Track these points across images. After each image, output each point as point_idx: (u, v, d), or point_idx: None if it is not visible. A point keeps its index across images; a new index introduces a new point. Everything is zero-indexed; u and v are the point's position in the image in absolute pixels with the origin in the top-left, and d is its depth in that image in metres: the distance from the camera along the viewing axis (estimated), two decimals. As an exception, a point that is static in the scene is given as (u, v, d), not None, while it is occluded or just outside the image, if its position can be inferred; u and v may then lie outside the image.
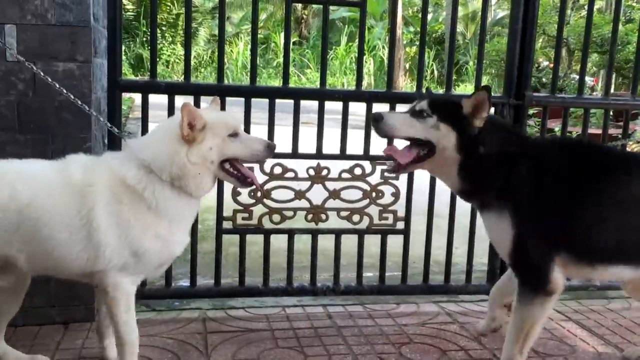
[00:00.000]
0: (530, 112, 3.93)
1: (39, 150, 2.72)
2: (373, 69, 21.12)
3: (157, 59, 3.28)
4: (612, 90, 3.83)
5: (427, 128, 2.35)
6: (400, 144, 2.49)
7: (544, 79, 13.00)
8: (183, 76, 3.20)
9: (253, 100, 3.22)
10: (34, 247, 2.12)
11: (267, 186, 3.23)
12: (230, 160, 2.27)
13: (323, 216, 3.32)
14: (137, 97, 3.28)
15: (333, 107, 3.31)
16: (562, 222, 2.37)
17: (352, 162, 3.31)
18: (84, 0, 2.70)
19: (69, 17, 2.70)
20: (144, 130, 3.07)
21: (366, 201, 3.33)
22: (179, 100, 3.02)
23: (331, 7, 3.45)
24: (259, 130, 3.07)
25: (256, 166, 2.87)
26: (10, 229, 2.09)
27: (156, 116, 2.94)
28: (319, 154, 3.30)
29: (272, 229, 3.31)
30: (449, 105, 2.42)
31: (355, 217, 3.35)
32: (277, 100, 3.25)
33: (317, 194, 3.29)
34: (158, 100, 3.09)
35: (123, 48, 3.28)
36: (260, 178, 3.11)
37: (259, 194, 3.19)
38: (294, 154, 3.27)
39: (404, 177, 3.14)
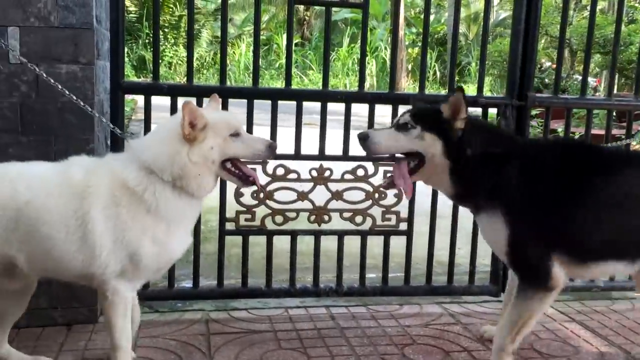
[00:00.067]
0: (533, 112, 3.92)
1: (42, 151, 2.73)
2: (375, 70, 21.12)
3: (160, 61, 3.28)
4: (614, 91, 3.81)
5: (412, 139, 2.38)
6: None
7: (546, 80, 12.97)
8: (185, 78, 3.20)
9: (255, 101, 3.23)
10: (32, 246, 2.13)
11: (269, 187, 3.23)
12: (231, 159, 2.26)
13: (326, 217, 3.32)
14: (140, 99, 3.29)
15: (335, 108, 3.31)
16: (553, 221, 2.39)
17: (354, 163, 3.31)
18: (87, 2, 2.70)
19: (72, 20, 2.71)
20: (147, 132, 3.07)
21: (369, 202, 3.33)
22: (182, 102, 3.03)
23: (333, 9, 3.45)
24: (261, 132, 3.06)
25: (259, 167, 2.88)
26: (9, 227, 2.10)
27: (159, 118, 2.94)
28: (321, 155, 3.30)
29: (275, 230, 3.31)
30: (430, 113, 2.44)
31: (358, 218, 3.35)
32: (280, 102, 3.25)
33: (320, 195, 3.29)
34: (161, 102, 3.09)
35: (125, 50, 3.29)
36: (262, 179, 3.12)
37: (261, 195, 3.19)
38: (297, 155, 3.27)
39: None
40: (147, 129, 3.10)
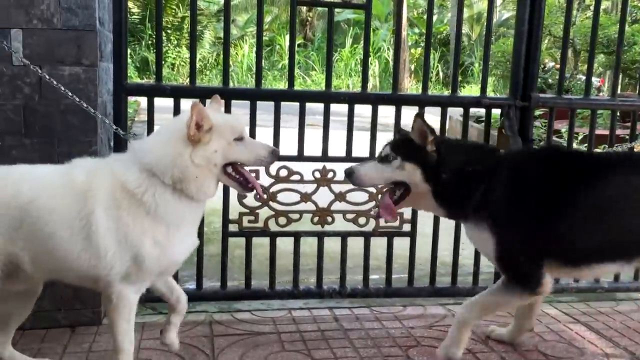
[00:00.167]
0: (537, 113, 3.91)
1: (45, 154, 2.73)
2: (378, 71, 21.09)
3: (163, 62, 3.28)
4: (618, 91, 3.80)
5: (394, 170, 2.54)
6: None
7: (549, 80, 12.94)
8: (188, 79, 3.20)
9: (258, 102, 3.22)
10: (36, 245, 2.13)
11: (273, 189, 3.23)
12: (233, 164, 2.26)
13: (329, 219, 3.32)
14: (143, 101, 3.29)
15: (338, 109, 3.31)
16: (537, 228, 2.47)
17: (357, 165, 3.30)
18: (90, 4, 2.71)
19: (75, 22, 2.71)
20: (150, 133, 3.07)
21: (372, 203, 3.32)
22: (185, 103, 3.03)
23: (336, 10, 3.45)
24: (264, 133, 3.07)
25: (262, 169, 2.87)
26: (13, 226, 2.11)
27: (162, 119, 2.93)
28: (324, 157, 3.30)
29: (278, 232, 3.31)
30: (407, 143, 2.58)
31: (361, 220, 3.34)
32: (283, 103, 3.25)
33: (323, 197, 3.29)
34: (164, 103, 3.09)
35: (128, 51, 3.29)
36: (266, 181, 3.12)
37: (264, 196, 3.19)
38: (300, 157, 3.27)
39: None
40: (150, 130, 3.09)
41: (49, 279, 2.36)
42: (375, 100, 3.35)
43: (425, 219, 3.43)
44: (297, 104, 3.27)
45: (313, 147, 3.26)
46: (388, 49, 21.54)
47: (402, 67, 19.55)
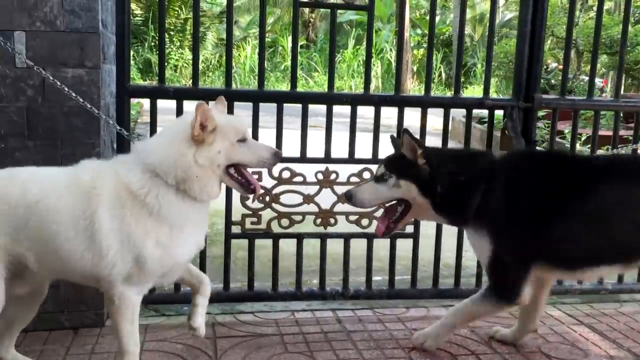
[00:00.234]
0: (540, 114, 3.90)
1: (48, 155, 2.74)
2: (380, 72, 21.10)
3: (165, 64, 3.28)
4: (621, 92, 3.79)
5: (391, 189, 2.59)
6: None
7: (552, 81, 12.92)
8: (191, 81, 3.20)
9: (261, 104, 3.22)
10: (41, 244, 2.14)
11: (275, 190, 3.23)
12: (235, 165, 2.26)
13: (332, 220, 3.32)
14: (146, 102, 3.29)
15: (341, 110, 3.31)
16: (535, 234, 2.50)
17: (360, 166, 3.30)
18: (93, 6, 2.71)
19: (78, 24, 2.71)
20: (152, 135, 3.08)
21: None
22: (188, 105, 3.03)
23: (339, 11, 3.45)
24: (267, 134, 3.07)
25: (264, 170, 2.87)
26: (20, 225, 2.12)
27: (165, 121, 2.94)
28: (327, 158, 3.30)
29: (281, 234, 3.31)
30: (399, 159, 2.62)
31: (364, 221, 3.34)
32: (285, 104, 3.25)
33: (326, 198, 3.29)
34: (167, 105, 3.09)
35: (131, 53, 3.29)
36: (268, 182, 3.12)
37: (267, 198, 3.19)
38: (302, 158, 3.27)
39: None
40: (152, 132, 3.10)
41: (55, 278, 2.38)
42: (378, 102, 3.35)
43: (428, 220, 3.43)
44: (300, 105, 3.27)
45: (316, 148, 3.26)
46: (390, 50, 21.55)
47: (405, 69, 19.54)
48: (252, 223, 3.25)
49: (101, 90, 2.78)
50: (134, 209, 2.15)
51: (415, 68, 23.00)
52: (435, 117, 3.63)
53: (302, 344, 2.92)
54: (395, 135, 2.92)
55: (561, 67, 3.91)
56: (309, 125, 3.29)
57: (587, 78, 3.86)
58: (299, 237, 3.34)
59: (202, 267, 3.23)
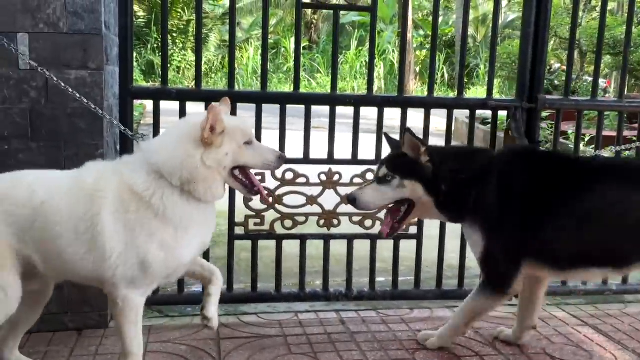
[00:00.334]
0: (543, 115, 3.90)
1: (52, 157, 2.74)
2: (383, 73, 21.08)
3: (168, 65, 3.28)
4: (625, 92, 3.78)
5: (396, 190, 2.58)
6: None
7: (555, 82, 12.91)
8: (194, 82, 3.20)
9: (264, 105, 3.22)
10: (46, 246, 2.15)
11: (279, 191, 3.23)
12: (240, 167, 2.27)
13: (335, 221, 3.31)
14: (149, 104, 3.29)
15: (344, 111, 3.30)
16: (524, 231, 2.53)
17: (363, 167, 3.30)
18: (96, 8, 2.71)
19: (81, 26, 2.71)
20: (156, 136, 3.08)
21: (378, 206, 3.31)
22: (190, 106, 3.03)
23: (341, 12, 3.45)
24: (270, 136, 3.07)
25: (267, 172, 2.87)
26: (25, 227, 2.13)
27: (168, 122, 2.95)
28: (330, 159, 3.30)
29: (284, 235, 3.30)
30: (402, 159, 2.61)
31: (368, 222, 3.34)
32: (288, 105, 3.25)
33: (329, 199, 3.28)
34: (170, 106, 3.09)
35: (134, 55, 3.29)
36: (272, 183, 3.12)
37: (270, 199, 3.18)
38: (306, 159, 3.27)
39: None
40: (156, 133, 3.10)
41: (61, 280, 2.38)
42: (382, 103, 3.34)
43: (431, 221, 3.42)
44: (303, 106, 3.27)
45: (319, 149, 3.26)
46: (393, 51, 21.55)
47: (408, 70, 19.54)
48: (255, 224, 3.25)
49: (104, 91, 2.79)
50: (139, 211, 2.15)
51: (417, 69, 23.00)
52: (438, 118, 3.62)
53: (305, 345, 2.91)
54: (398, 134, 2.91)
55: (564, 67, 3.90)
56: (312, 127, 3.29)
57: (590, 79, 3.84)
58: (303, 238, 3.33)
59: (206, 269, 3.23)
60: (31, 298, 2.35)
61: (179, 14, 20.03)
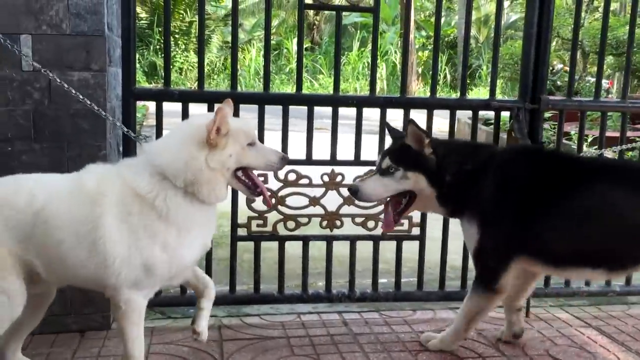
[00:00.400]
0: (546, 115, 3.89)
1: (55, 158, 2.75)
2: (385, 74, 21.08)
3: (171, 67, 3.28)
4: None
5: (399, 181, 2.58)
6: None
7: (558, 82, 12.89)
8: (197, 83, 3.20)
9: (266, 106, 3.22)
10: (48, 251, 2.14)
11: (281, 193, 3.23)
12: (243, 168, 2.27)
13: (338, 222, 3.31)
14: (152, 105, 3.30)
15: (347, 112, 3.30)
16: (517, 227, 2.53)
17: (366, 168, 3.29)
18: (99, 10, 2.72)
19: (84, 27, 2.72)
20: (158, 138, 3.08)
21: (381, 207, 3.31)
22: (193, 107, 3.03)
23: (343, 13, 3.45)
24: (272, 137, 3.07)
25: (270, 173, 2.87)
26: (27, 232, 2.12)
27: (170, 124, 2.95)
28: (333, 160, 3.29)
29: (287, 236, 3.30)
30: (405, 150, 2.59)
31: (370, 223, 3.33)
32: (291, 106, 3.25)
33: (332, 200, 3.28)
34: (172, 107, 3.10)
35: (137, 56, 3.30)
36: (274, 185, 3.12)
37: (273, 200, 3.18)
38: (308, 160, 3.26)
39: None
40: (158, 134, 3.10)
41: (63, 285, 2.37)
42: (384, 104, 3.34)
43: (434, 222, 3.42)
44: (305, 107, 3.26)
45: (321, 150, 3.25)
46: (395, 52, 21.53)
47: (410, 70, 19.51)
48: (258, 225, 3.24)
49: (107, 93, 2.79)
50: (142, 214, 2.15)
51: (420, 70, 22.98)
52: (440, 119, 3.62)
53: (308, 346, 2.91)
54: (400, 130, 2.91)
55: (567, 68, 3.89)
56: (315, 128, 3.28)
57: (593, 79, 3.84)
58: (305, 240, 3.33)
59: (208, 270, 3.23)
60: (34, 300, 2.34)
61: (181, 16, 20.04)
